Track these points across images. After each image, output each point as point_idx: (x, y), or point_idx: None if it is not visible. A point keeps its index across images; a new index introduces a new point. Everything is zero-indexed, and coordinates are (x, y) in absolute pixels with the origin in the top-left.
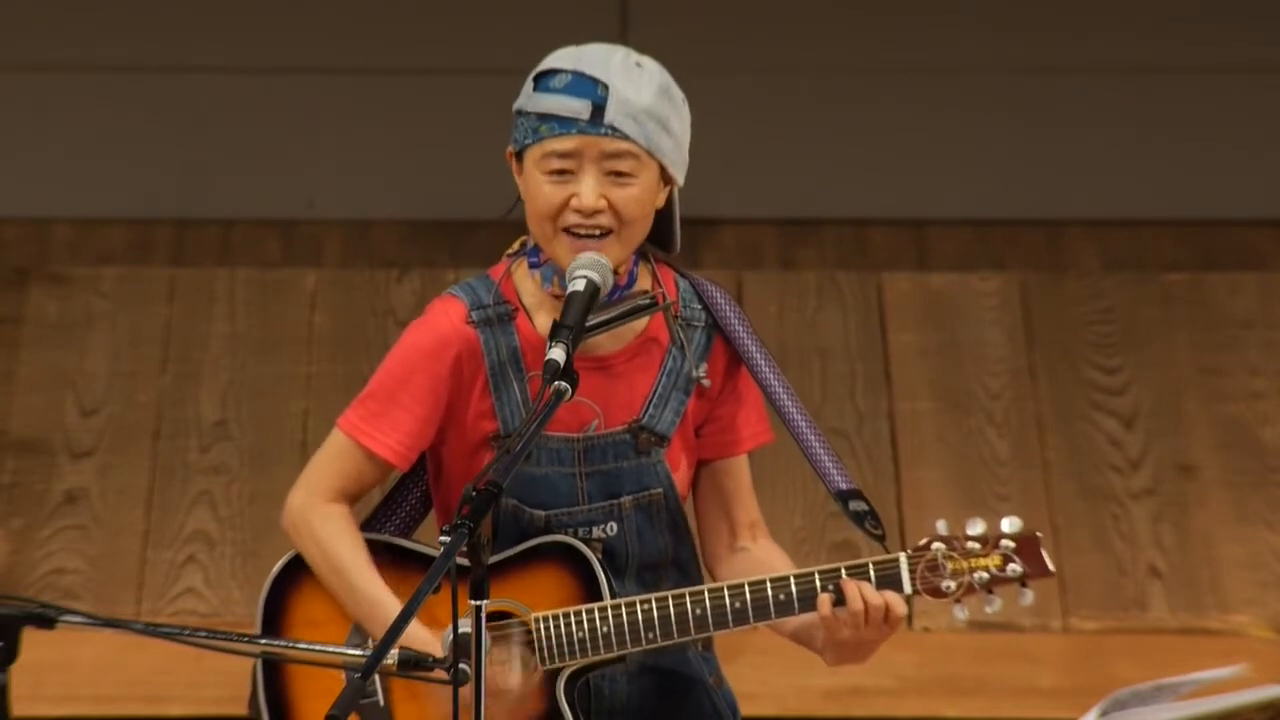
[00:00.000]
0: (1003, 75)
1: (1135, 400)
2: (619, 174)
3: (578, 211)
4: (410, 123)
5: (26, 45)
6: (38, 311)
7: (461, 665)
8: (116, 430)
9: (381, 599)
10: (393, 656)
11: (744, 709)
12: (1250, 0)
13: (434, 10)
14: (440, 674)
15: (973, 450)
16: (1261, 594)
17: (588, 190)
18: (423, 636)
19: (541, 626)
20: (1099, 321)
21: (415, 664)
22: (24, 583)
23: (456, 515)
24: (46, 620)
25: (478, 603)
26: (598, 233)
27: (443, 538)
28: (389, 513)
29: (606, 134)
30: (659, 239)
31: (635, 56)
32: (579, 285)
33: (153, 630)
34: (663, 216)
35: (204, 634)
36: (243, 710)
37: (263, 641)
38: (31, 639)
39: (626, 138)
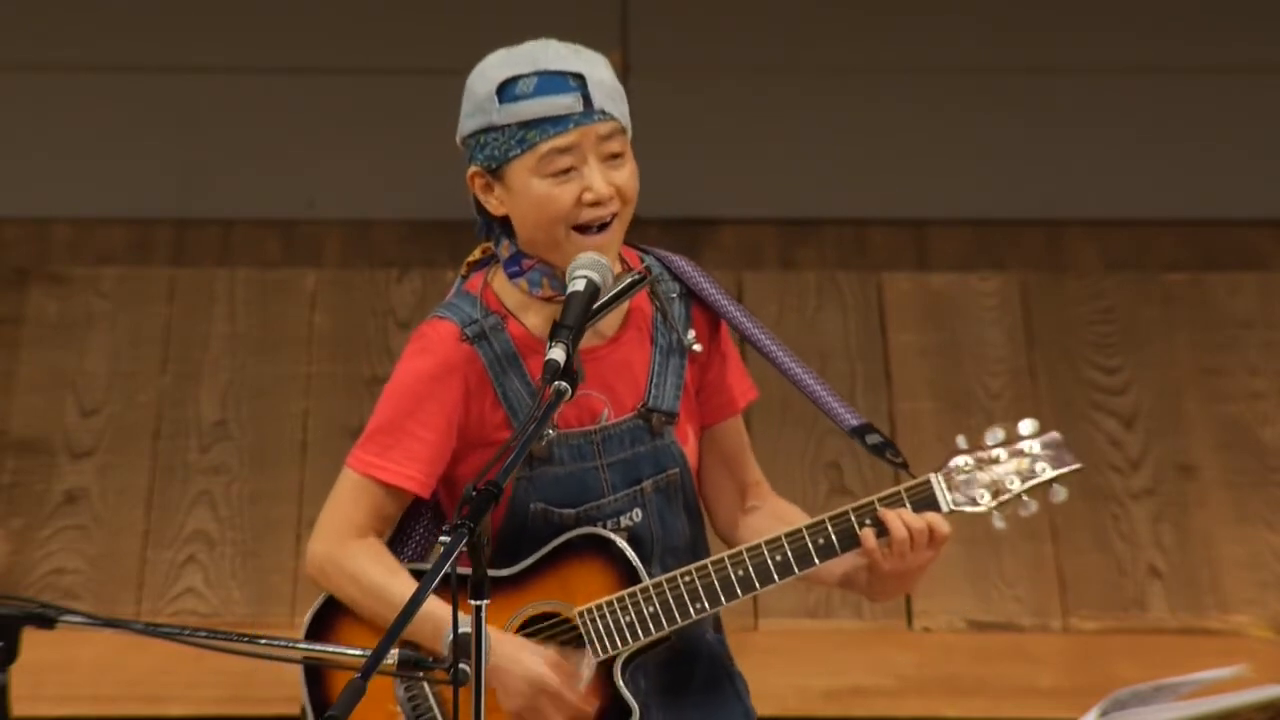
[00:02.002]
0: (1003, 75)
1: (1135, 400)
2: (614, 155)
3: (592, 205)
4: (410, 123)
5: (26, 45)
6: (38, 311)
7: (461, 665)
8: (116, 430)
9: (432, 611)
10: (393, 656)
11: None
12: (1250, 0)
13: (434, 10)
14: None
15: None
16: (1261, 594)
17: (595, 179)
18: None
19: (588, 619)
20: (1099, 321)
21: (415, 664)
22: (24, 583)
23: (456, 515)
24: (46, 620)
25: (478, 603)
26: (607, 220)
27: (443, 538)
28: (399, 547)
29: (599, 119)
30: None
31: (565, 44)
32: (579, 285)
33: (153, 630)
34: None
35: (204, 634)
36: (244, 709)
37: (263, 642)
38: (31, 639)
39: (612, 118)
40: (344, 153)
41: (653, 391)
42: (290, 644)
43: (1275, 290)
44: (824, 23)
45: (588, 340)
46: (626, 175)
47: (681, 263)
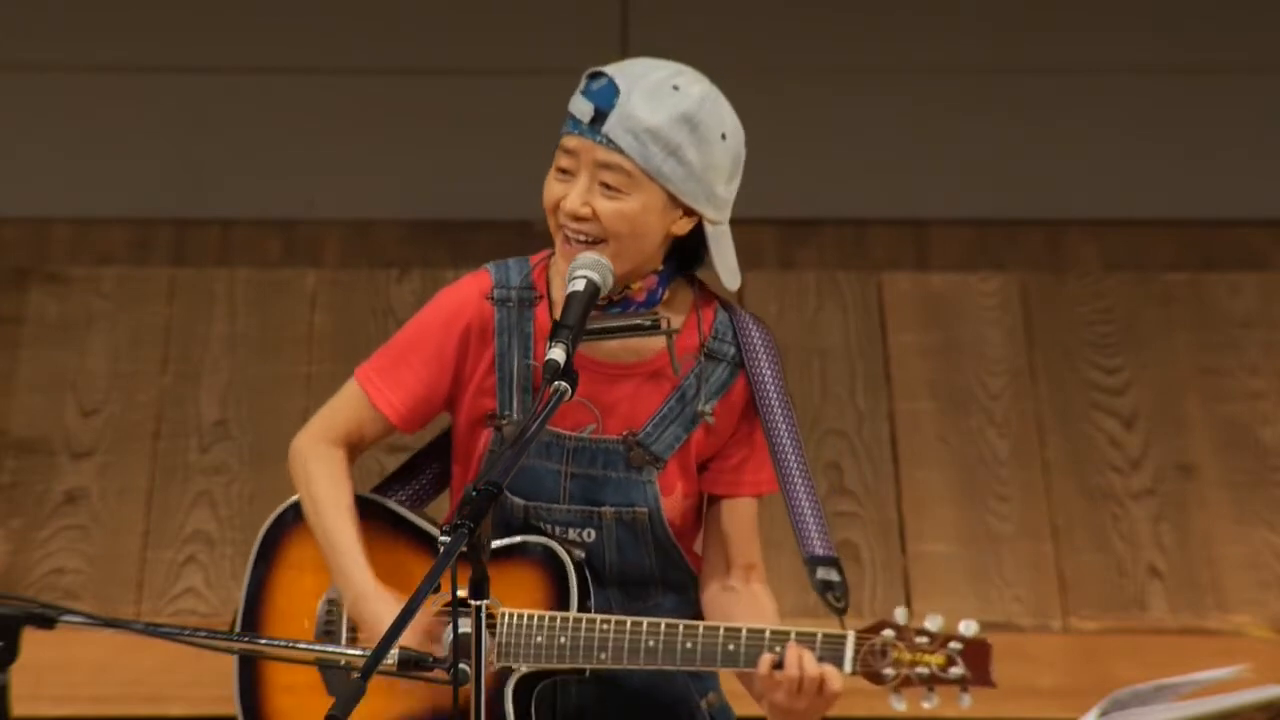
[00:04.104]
0: (1003, 75)
1: (1135, 400)
2: (608, 186)
3: (564, 213)
4: (410, 123)
5: (26, 45)
6: (38, 311)
7: (461, 665)
8: (116, 430)
9: (342, 544)
10: (393, 656)
11: (743, 709)
12: (1250, 0)
13: (434, 10)
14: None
15: (973, 450)
16: (1261, 594)
17: (574, 195)
18: (378, 611)
19: (505, 623)
20: (1099, 321)
21: (415, 664)
22: (24, 583)
23: (456, 515)
24: (46, 620)
25: (478, 603)
26: (583, 238)
27: (443, 538)
28: (402, 481)
29: (601, 142)
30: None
31: (684, 80)
32: (578, 285)
33: (153, 630)
34: (703, 246)
35: (204, 634)
36: None
37: (262, 641)
38: (31, 639)
39: (620, 151)
40: (344, 153)
41: (648, 428)
42: (290, 644)
43: (1275, 290)
44: (824, 23)
45: (614, 355)
46: (611, 209)
47: (755, 332)
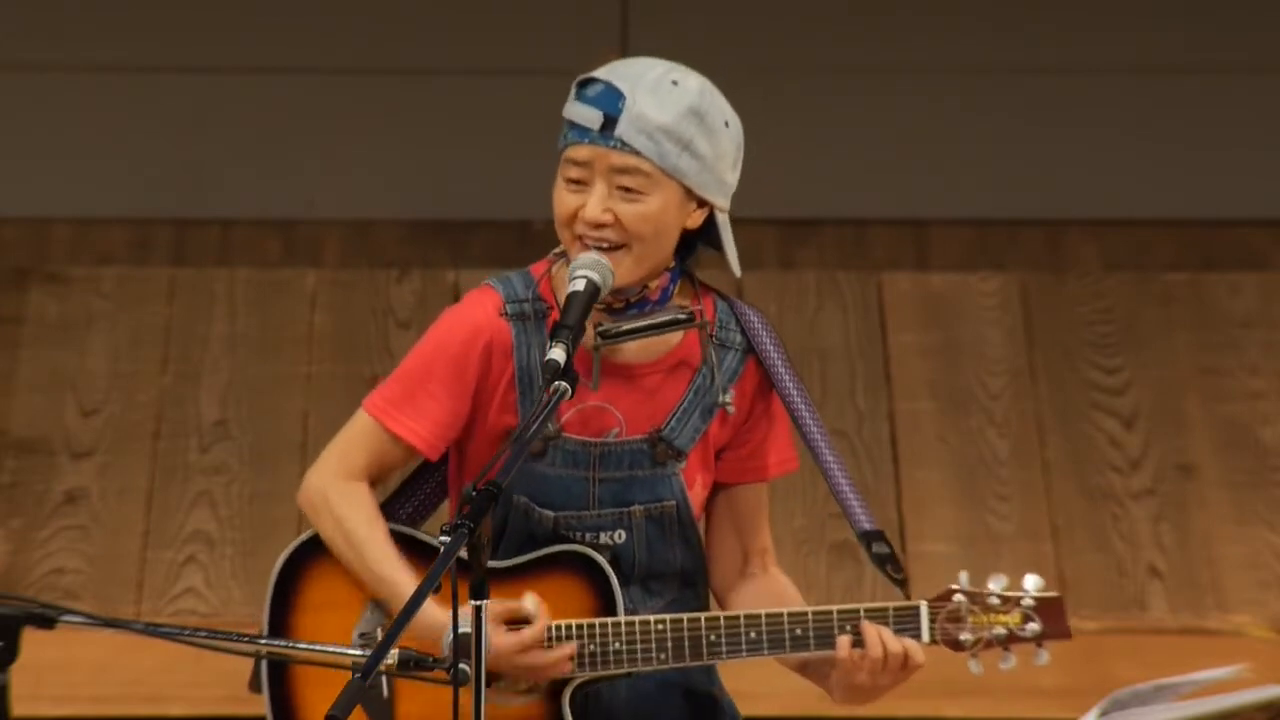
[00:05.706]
0: (1003, 75)
1: (1135, 400)
2: (627, 189)
3: (585, 223)
4: (410, 123)
5: (26, 45)
6: (38, 311)
7: (461, 665)
8: (116, 430)
9: (396, 578)
10: (393, 656)
11: (744, 709)
12: (1250, 0)
13: (433, 10)
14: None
15: (973, 450)
16: (1261, 594)
17: (593, 203)
18: (436, 620)
19: (553, 636)
20: (1099, 321)
21: (415, 664)
22: (24, 583)
23: (457, 515)
24: (46, 620)
25: (478, 603)
26: (605, 245)
27: (443, 537)
28: (402, 500)
29: (616, 147)
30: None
31: (678, 74)
32: (579, 285)
33: (153, 630)
34: (712, 238)
35: (204, 634)
36: (244, 709)
37: (263, 641)
38: (31, 639)
39: (637, 153)
40: (344, 153)
41: (671, 424)
42: (290, 644)
43: (1275, 290)
44: (824, 23)
45: (628, 358)
46: (634, 212)
47: (754, 318)
